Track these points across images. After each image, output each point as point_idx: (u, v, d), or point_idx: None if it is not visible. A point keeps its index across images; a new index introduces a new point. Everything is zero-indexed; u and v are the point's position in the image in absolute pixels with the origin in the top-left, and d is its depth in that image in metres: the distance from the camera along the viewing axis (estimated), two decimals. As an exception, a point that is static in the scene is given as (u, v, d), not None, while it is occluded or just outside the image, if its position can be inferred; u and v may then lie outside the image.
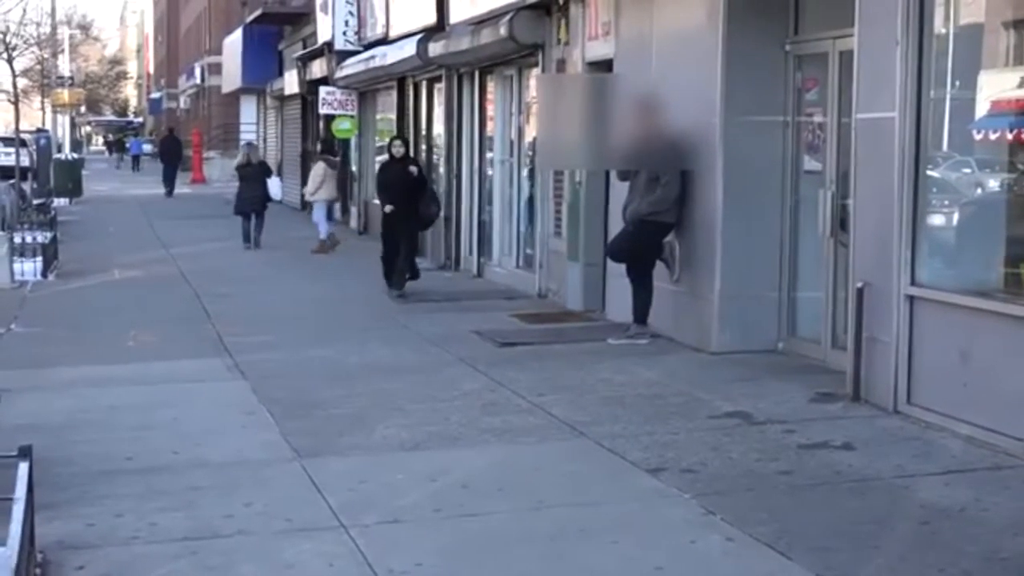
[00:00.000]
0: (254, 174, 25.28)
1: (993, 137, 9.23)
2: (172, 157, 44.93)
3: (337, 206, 26.60)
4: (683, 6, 13.00)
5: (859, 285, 9.98)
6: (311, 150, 35.88)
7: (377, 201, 27.76)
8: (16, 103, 32.37)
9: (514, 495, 7.69)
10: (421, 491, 7.75)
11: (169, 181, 43.43)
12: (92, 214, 34.22)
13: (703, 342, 12.39)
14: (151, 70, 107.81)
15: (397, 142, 18.15)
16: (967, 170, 9.93)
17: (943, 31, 9.66)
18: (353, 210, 30.00)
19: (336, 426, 9.54)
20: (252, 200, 24.94)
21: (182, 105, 75.17)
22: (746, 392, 10.49)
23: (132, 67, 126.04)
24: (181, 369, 12.14)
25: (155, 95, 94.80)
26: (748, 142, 12.12)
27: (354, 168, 30.22)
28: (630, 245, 13.04)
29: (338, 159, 26.60)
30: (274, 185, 26.88)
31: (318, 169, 24.73)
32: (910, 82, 9.53)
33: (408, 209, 17.35)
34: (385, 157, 18.83)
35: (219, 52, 52.84)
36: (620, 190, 13.59)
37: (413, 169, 17.72)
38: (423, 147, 23.82)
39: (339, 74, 28.00)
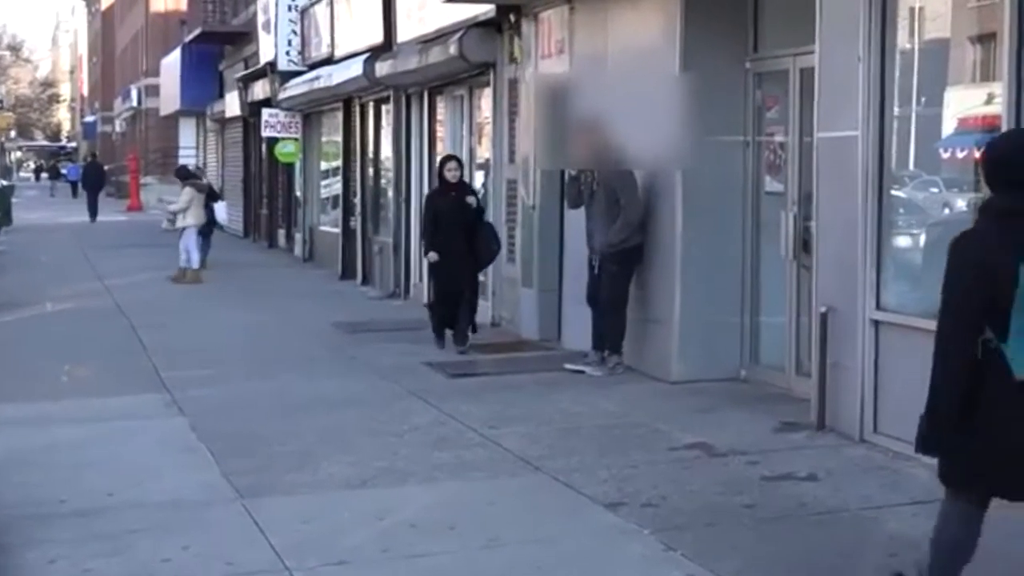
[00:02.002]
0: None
1: (960, 155, 9.31)
2: (95, 183, 45.54)
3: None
4: (639, 23, 13.06)
5: (823, 310, 10.04)
6: (254, 172, 35.88)
7: (326, 228, 28.13)
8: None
9: (466, 533, 7.67)
10: (368, 531, 7.72)
11: (92, 207, 44.06)
12: (23, 244, 34.01)
13: (663, 371, 12.42)
14: (85, 92, 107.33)
15: (452, 164, 15.05)
16: (934, 190, 10.02)
17: (907, 46, 9.75)
18: (298, 236, 29.96)
19: (280, 463, 9.49)
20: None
21: (118, 129, 74.88)
22: (708, 422, 10.51)
23: (65, 89, 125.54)
24: (116, 405, 12.05)
25: (89, 119, 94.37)
26: (707, 162, 12.17)
27: (299, 193, 30.18)
28: (613, 287, 12.85)
29: (206, 183, 26.36)
30: (221, 209, 26.78)
31: (186, 194, 24.41)
32: (873, 99, 9.62)
33: (465, 248, 14.76)
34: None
35: (156, 73, 52.68)
36: (577, 213, 13.59)
37: (471, 200, 14.90)
38: (370, 170, 23.83)
39: (282, 95, 27.97)
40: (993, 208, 5.34)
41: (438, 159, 17.26)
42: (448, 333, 15.01)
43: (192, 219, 24.01)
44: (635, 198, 12.73)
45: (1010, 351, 5.16)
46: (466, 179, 15.89)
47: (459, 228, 14.69)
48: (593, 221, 12.96)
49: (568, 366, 13.03)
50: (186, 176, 25.51)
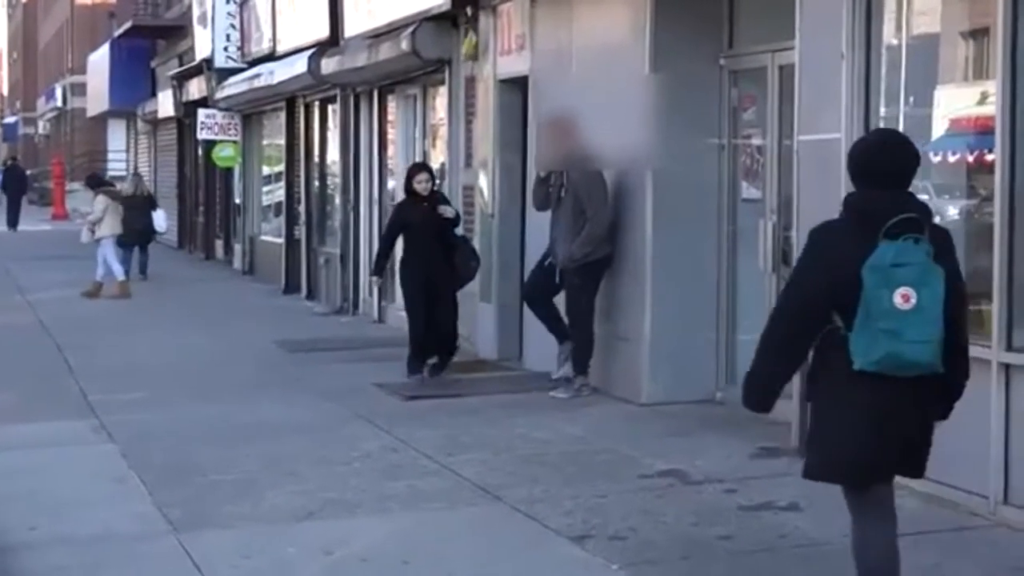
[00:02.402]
0: (140, 205, 25.91)
1: (952, 159, 9.34)
2: (16, 189, 45.35)
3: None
4: (606, 17, 13.10)
5: (804, 326, 10.06)
6: (189, 178, 35.81)
7: (268, 238, 28.08)
8: None
9: (420, 569, 7.66)
10: (315, 566, 7.71)
11: (13, 215, 44.06)
12: (-62, 256, 33.81)
13: (632, 392, 12.44)
14: (5, 91, 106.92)
15: (421, 176, 14.35)
16: (924, 196, 10.05)
17: (894, 42, 9.80)
18: (237, 247, 29.92)
19: (219, 494, 9.46)
20: (137, 232, 25.35)
21: (41, 131, 74.66)
22: (681, 448, 10.53)
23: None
24: (39, 432, 11.99)
25: (9, 120, 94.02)
26: (679, 166, 12.20)
27: (238, 200, 30.13)
28: (576, 302, 12.81)
29: (119, 189, 26.24)
30: (159, 218, 26.74)
31: (99, 203, 24.27)
32: (857, 99, 9.66)
33: (444, 264, 14.18)
34: (402, 196, 15.10)
35: (83, 71, 52.56)
36: (539, 221, 13.60)
37: (447, 211, 14.29)
38: (316, 176, 23.80)
39: (220, 94, 27.93)
40: (851, 205, 5.85)
41: (396, 167, 17.26)
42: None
43: (107, 229, 23.88)
44: (602, 209, 12.71)
45: (851, 343, 5.65)
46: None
47: (434, 241, 14.11)
48: (557, 228, 12.92)
49: (557, 395, 12.85)
50: (99, 184, 25.39)
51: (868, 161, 5.81)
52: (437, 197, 14.58)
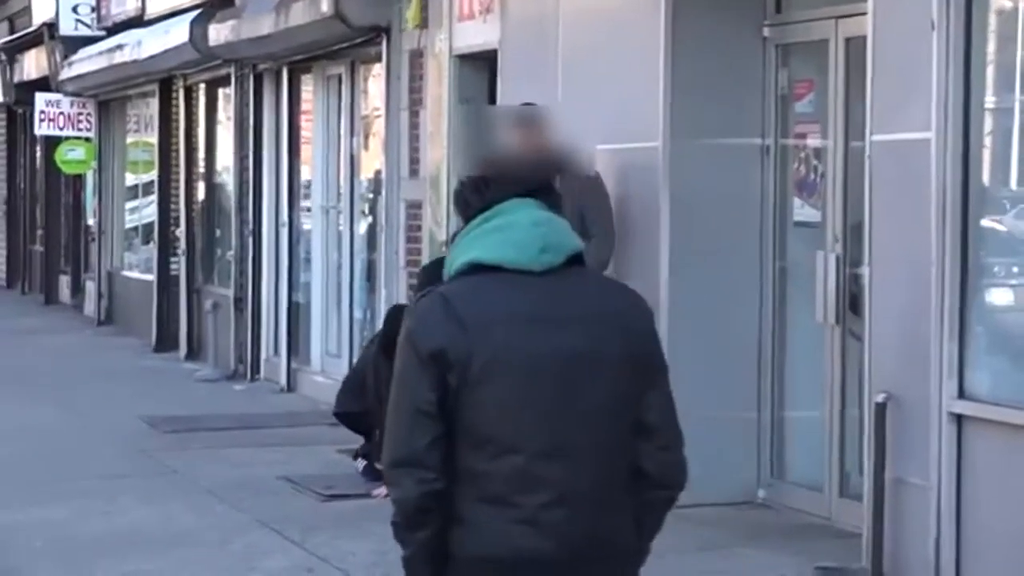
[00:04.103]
0: None
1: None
2: None
3: None
4: (605, -32, 13.17)
5: (880, 398, 10.09)
6: (23, 189, 35.66)
7: (133, 273, 27.77)
8: None
9: None
10: None
11: None
12: None
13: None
14: None
15: None
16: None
17: (1007, 4, 9.84)
18: (90, 286, 29.73)
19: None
20: None
21: None
22: (714, 569, 10.54)
23: None
24: None
25: None
26: (707, 178, 12.24)
27: (91, 221, 29.99)
28: None
29: None
30: None
31: None
32: (953, 85, 9.68)
33: None
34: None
35: None
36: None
37: None
38: (200, 186, 23.76)
39: (67, 74, 27.87)
40: None
41: (314, 176, 17.19)
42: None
43: None
44: (610, 227, 12.63)
45: None
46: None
47: None
48: None
49: None
50: None
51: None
52: None
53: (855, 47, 11.18)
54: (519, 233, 5.32)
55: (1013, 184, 10.12)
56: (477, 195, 5.42)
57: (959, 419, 9.71)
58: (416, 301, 5.54)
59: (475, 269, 5.30)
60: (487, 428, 5.21)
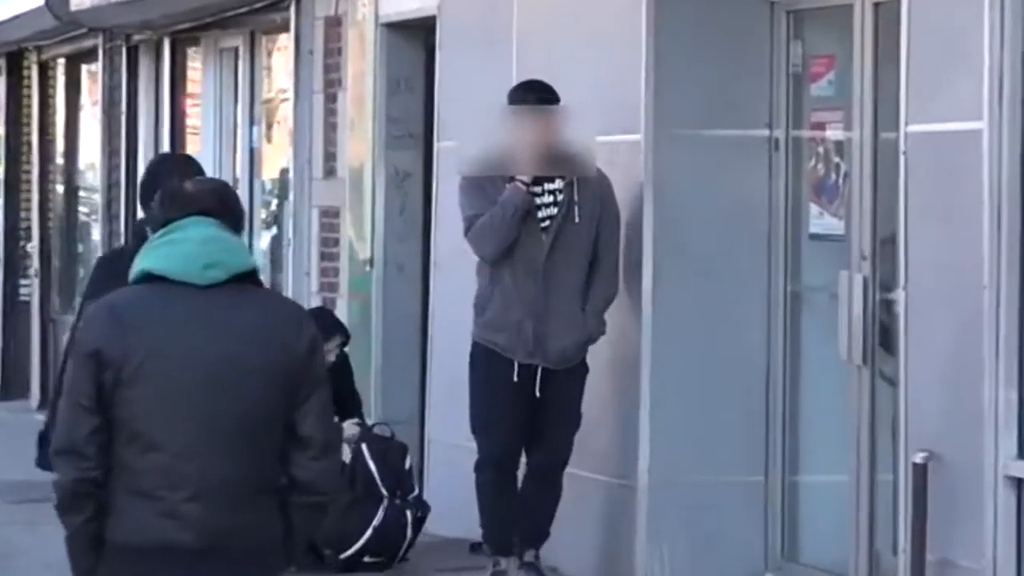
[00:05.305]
0: None
1: None
2: None
3: None
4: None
5: (919, 459, 10.10)
6: None
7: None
8: None
9: None
10: None
11: None
12: None
13: (621, 573, 12.44)
14: None
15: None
16: None
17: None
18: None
19: None
20: None
21: None
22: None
23: None
24: None
25: None
26: (700, 179, 12.28)
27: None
28: (574, 422, 12.65)
29: None
30: None
31: None
32: (1010, 62, 9.72)
33: None
34: None
35: None
36: (462, 278, 13.49)
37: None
38: (58, 189, 23.75)
39: None
40: None
41: (104, 177, 17.15)
42: None
43: None
44: (617, 258, 12.43)
45: None
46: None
47: None
48: (542, 291, 12.51)
49: None
50: None
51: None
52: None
53: (886, 14, 11.20)
54: (188, 247, 6.73)
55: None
56: (162, 210, 6.97)
57: (1020, 484, 9.73)
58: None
59: (147, 278, 6.72)
60: (137, 425, 6.62)
